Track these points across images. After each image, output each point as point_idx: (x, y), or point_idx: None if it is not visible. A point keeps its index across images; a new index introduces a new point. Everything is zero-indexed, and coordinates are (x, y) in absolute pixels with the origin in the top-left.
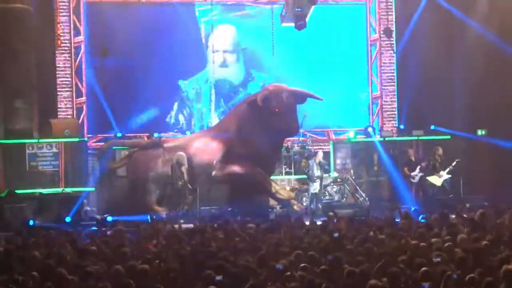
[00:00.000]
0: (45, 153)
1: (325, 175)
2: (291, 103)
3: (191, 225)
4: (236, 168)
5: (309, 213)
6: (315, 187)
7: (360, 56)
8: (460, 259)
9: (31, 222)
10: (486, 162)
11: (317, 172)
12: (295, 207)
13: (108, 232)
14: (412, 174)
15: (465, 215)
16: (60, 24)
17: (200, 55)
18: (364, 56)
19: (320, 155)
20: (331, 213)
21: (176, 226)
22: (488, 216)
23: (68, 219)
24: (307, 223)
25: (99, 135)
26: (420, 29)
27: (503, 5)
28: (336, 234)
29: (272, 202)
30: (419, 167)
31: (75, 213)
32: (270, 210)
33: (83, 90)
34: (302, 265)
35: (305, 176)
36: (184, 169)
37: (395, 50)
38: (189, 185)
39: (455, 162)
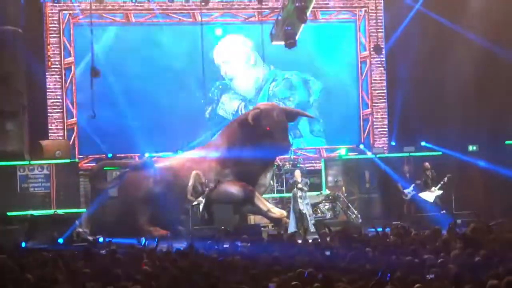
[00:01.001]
0: (36, 175)
1: (312, 193)
2: (282, 121)
3: (183, 245)
4: (228, 187)
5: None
6: (300, 208)
7: (350, 74)
8: (455, 275)
9: (23, 244)
10: (477, 177)
11: (298, 193)
12: (287, 225)
13: (101, 252)
14: (405, 191)
15: (457, 230)
16: (50, 46)
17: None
18: (355, 73)
19: (297, 174)
20: (324, 230)
21: (168, 246)
22: (480, 231)
23: (60, 241)
24: (300, 241)
25: (90, 156)
26: (409, 44)
27: (493, 14)
28: (328, 253)
29: (264, 220)
30: (413, 185)
31: (67, 234)
32: (262, 228)
33: (74, 111)
34: (294, 283)
35: None
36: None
37: (385, 67)
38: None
39: (446, 178)
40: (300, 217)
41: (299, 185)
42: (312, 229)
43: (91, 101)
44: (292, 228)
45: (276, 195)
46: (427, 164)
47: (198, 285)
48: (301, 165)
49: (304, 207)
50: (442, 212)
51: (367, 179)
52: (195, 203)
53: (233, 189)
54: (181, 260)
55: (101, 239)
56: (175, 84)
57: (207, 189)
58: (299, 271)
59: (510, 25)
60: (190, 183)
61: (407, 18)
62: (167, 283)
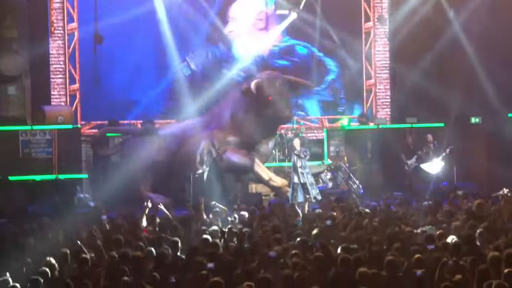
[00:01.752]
0: (38, 140)
1: (314, 163)
2: (285, 91)
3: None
4: (230, 155)
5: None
6: (300, 177)
7: (354, 45)
8: (455, 247)
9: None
10: (480, 149)
11: (298, 163)
12: (288, 194)
13: (103, 218)
14: (409, 162)
15: (459, 203)
16: (54, 11)
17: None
18: (359, 44)
19: (296, 143)
20: (326, 201)
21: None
22: (484, 205)
23: (62, 206)
24: (300, 211)
25: (93, 122)
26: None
27: None
28: (328, 222)
29: (265, 189)
30: (415, 156)
31: (68, 200)
32: (263, 197)
33: (77, 77)
34: (294, 251)
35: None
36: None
37: (389, 38)
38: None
39: (448, 150)
40: (304, 188)
41: (296, 153)
42: (318, 197)
43: (94, 67)
44: (301, 199)
45: (278, 164)
46: (429, 136)
47: (198, 252)
48: (303, 135)
49: (304, 176)
50: (444, 183)
51: (369, 149)
52: (199, 171)
53: (234, 157)
54: (181, 227)
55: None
56: (180, 49)
57: (212, 158)
58: (300, 240)
59: None
60: (199, 151)
61: None
62: (167, 249)
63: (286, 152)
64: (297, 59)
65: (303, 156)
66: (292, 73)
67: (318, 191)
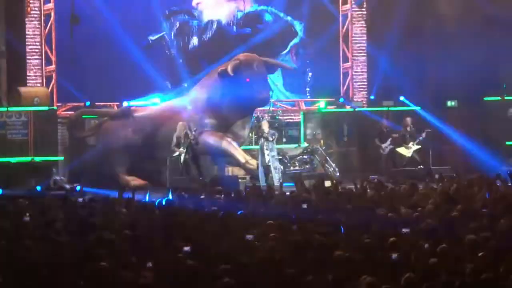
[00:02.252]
0: (14, 122)
1: (290, 145)
2: (262, 73)
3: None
4: (206, 138)
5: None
6: (266, 160)
7: (331, 27)
8: (431, 230)
9: (0, 191)
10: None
11: (265, 145)
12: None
13: (79, 200)
14: (383, 145)
15: (434, 186)
16: None
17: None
18: (336, 26)
19: (264, 125)
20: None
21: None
22: (460, 188)
23: (38, 188)
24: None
25: (69, 104)
26: None
27: None
28: (304, 205)
29: (242, 172)
30: (390, 139)
31: (44, 182)
32: (240, 180)
33: (53, 58)
34: (272, 235)
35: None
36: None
37: (366, 21)
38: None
39: (424, 133)
40: (267, 170)
41: (265, 135)
42: (277, 183)
43: (70, 48)
44: (262, 182)
45: (254, 147)
46: (408, 119)
47: (173, 235)
48: (279, 118)
49: (270, 159)
50: (419, 167)
51: (345, 132)
52: (176, 153)
53: (211, 139)
54: (158, 211)
55: (78, 188)
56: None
57: (188, 140)
58: (277, 222)
59: None
60: (176, 133)
61: None
62: (142, 232)
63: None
64: (261, 26)
65: (270, 139)
66: (254, 41)
67: (280, 176)
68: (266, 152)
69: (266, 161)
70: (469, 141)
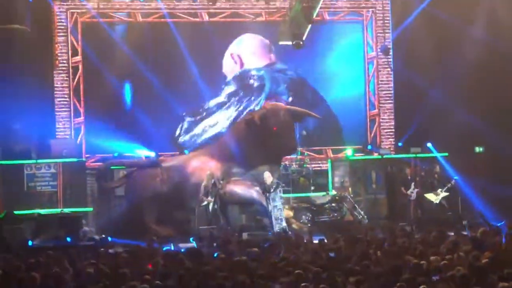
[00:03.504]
0: (43, 174)
1: (319, 193)
2: (289, 121)
3: (190, 245)
4: (234, 187)
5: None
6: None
7: (358, 74)
8: (461, 277)
9: (29, 243)
10: (484, 179)
11: (269, 195)
12: (294, 225)
13: (108, 252)
14: (409, 192)
15: (464, 233)
16: (58, 44)
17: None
18: (362, 74)
19: (266, 176)
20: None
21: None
22: (488, 234)
23: (67, 239)
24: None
25: (97, 155)
26: (416, 44)
27: (503, 13)
28: (332, 254)
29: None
30: (413, 183)
31: (73, 233)
32: (268, 228)
33: (81, 110)
34: (304, 284)
35: (303, 194)
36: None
37: (392, 68)
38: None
39: (453, 180)
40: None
41: (267, 187)
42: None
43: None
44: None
45: (283, 195)
46: (435, 165)
47: (204, 285)
48: (307, 166)
49: (272, 209)
50: (448, 213)
51: (374, 179)
52: (204, 203)
53: (239, 188)
54: (187, 260)
55: (108, 239)
56: (187, 87)
57: (216, 189)
58: (306, 271)
59: None
60: (204, 183)
61: (412, 16)
62: (173, 282)
63: (292, 184)
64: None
65: (271, 190)
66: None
67: (282, 226)
68: (269, 202)
69: (269, 211)
70: (496, 187)
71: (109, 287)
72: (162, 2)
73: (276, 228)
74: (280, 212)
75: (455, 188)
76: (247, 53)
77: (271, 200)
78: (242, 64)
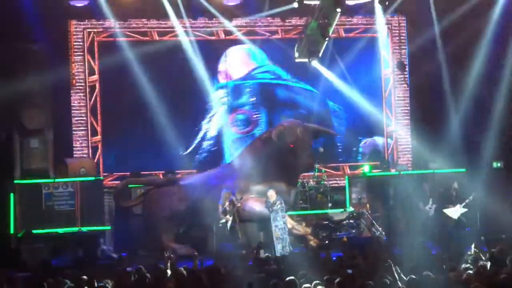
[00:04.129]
0: (61, 193)
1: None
2: (306, 139)
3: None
4: (252, 204)
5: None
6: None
7: (374, 90)
8: None
9: (51, 262)
10: (503, 194)
11: (272, 214)
12: (311, 242)
13: (127, 270)
14: (426, 207)
15: (483, 248)
16: (75, 64)
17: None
18: (378, 90)
19: (270, 195)
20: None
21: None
22: (506, 250)
23: (85, 258)
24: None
25: (115, 173)
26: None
27: None
28: (349, 271)
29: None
30: (431, 199)
31: (91, 252)
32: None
33: (98, 129)
34: None
35: (320, 211)
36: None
37: (408, 84)
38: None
39: (471, 196)
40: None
41: (269, 205)
42: (278, 254)
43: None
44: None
45: (300, 212)
46: (455, 183)
47: None
48: (325, 182)
49: (273, 228)
50: (467, 229)
51: (391, 196)
52: (222, 221)
53: (257, 206)
54: (206, 278)
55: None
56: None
57: (235, 207)
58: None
59: None
60: (221, 201)
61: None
62: None
63: (309, 201)
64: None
65: (274, 208)
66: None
67: (286, 245)
68: (271, 221)
69: (272, 231)
70: None
71: None
72: (178, 20)
73: (279, 248)
74: (282, 232)
75: (474, 203)
76: (233, 66)
77: (273, 220)
78: (230, 78)
